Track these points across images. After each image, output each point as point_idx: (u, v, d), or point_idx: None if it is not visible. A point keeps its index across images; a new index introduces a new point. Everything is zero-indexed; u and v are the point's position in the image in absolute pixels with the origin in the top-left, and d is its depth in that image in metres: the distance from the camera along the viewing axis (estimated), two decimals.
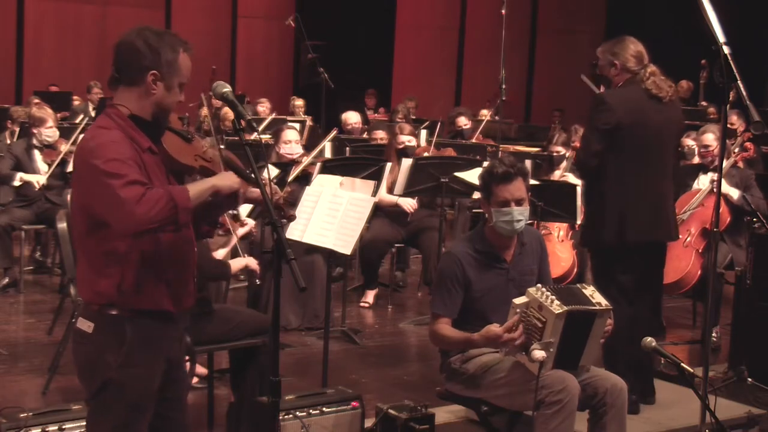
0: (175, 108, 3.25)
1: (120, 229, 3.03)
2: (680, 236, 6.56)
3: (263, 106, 13.01)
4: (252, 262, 5.48)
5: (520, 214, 4.33)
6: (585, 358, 4.15)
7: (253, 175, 3.29)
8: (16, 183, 7.97)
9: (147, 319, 3.19)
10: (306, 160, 7.21)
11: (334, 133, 8.65)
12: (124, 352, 3.14)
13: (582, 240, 5.82)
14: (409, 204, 7.66)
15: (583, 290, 4.17)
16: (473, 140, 10.61)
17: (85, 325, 3.19)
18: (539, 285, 4.13)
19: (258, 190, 3.27)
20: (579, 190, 6.83)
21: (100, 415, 3.23)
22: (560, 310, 3.96)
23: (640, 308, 5.31)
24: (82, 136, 7.94)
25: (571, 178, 7.66)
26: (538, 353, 3.91)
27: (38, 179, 7.94)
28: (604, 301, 4.13)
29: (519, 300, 4.07)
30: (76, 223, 3.22)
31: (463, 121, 11.32)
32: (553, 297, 4.01)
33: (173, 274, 3.22)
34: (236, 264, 5.40)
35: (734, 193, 6.79)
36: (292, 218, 3.55)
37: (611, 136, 5.17)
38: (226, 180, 3.19)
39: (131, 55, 3.15)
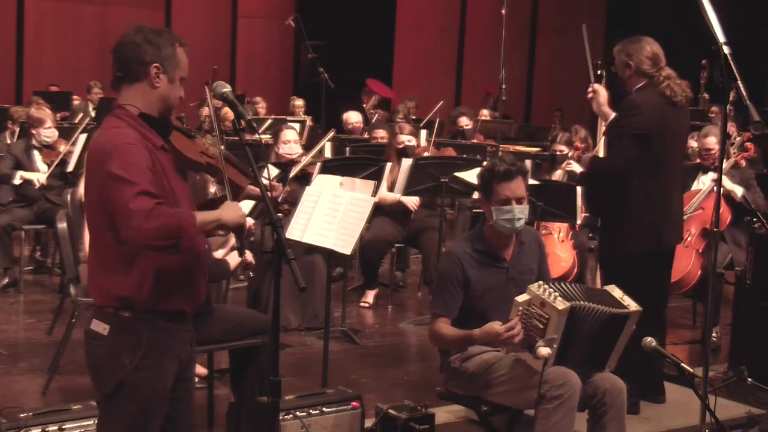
0: (177, 103, 3.27)
1: (125, 239, 3.05)
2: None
3: (260, 107, 13.03)
4: (246, 256, 5.46)
5: (521, 213, 4.34)
6: (612, 358, 4.20)
7: (252, 173, 3.31)
8: (17, 181, 7.98)
9: (162, 320, 3.19)
10: (305, 160, 7.20)
11: (332, 133, 8.61)
12: (138, 355, 3.15)
13: (603, 254, 5.51)
14: (413, 202, 7.66)
15: (612, 292, 4.20)
16: (474, 140, 10.62)
17: (100, 327, 3.19)
18: (541, 282, 4.14)
19: (257, 188, 3.28)
20: (579, 190, 6.83)
21: (113, 417, 3.23)
22: (563, 306, 3.98)
23: (652, 310, 5.34)
24: (82, 136, 8.09)
25: (576, 167, 7.62)
26: (544, 350, 3.93)
27: (38, 177, 7.96)
28: (633, 304, 4.17)
29: (521, 297, 4.08)
30: (94, 224, 3.19)
31: (465, 121, 11.33)
32: (556, 293, 4.02)
33: (187, 272, 3.22)
34: (233, 260, 5.40)
35: (738, 191, 6.78)
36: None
37: (641, 144, 5.09)
38: (233, 214, 3.21)
39: (132, 51, 3.17)
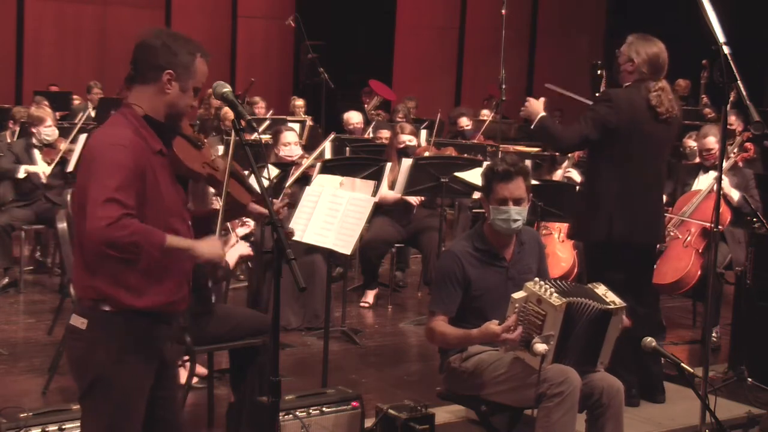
0: (187, 112, 3.27)
1: (87, 239, 3.05)
2: (680, 236, 6.58)
3: (258, 107, 13.05)
4: (243, 249, 5.43)
5: (518, 214, 4.32)
6: (603, 355, 4.21)
7: (256, 187, 3.29)
8: (21, 175, 7.97)
9: (140, 317, 3.18)
10: (306, 162, 7.18)
11: (332, 136, 8.56)
12: (115, 349, 3.14)
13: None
14: (414, 197, 7.66)
15: (596, 289, 4.20)
16: (475, 140, 10.63)
17: (78, 321, 3.18)
18: (537, 279, 4.13)
19: (262, 207, 3.27)
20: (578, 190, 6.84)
21: (92, 414, 3.23)
22: (559, 302, 3.98)
23: (639, 306, 5.33)
24: (83, 135, 8.09)
25: (575, 175, 7.65)
26: (540, 346, 3.93)
27: (43, 170, 7.97)
28: (618, 300, 4.17)
29: (518, 294, 4.08)
30: (79, 218, 3.19)
31: (465, 122, 11.33)
32: (552, 290, 4.02)
33: (168, 276, 3.20)
34: (231, 258, 5.37)
35: (735, 195, 6.78)
36: (290, 235, 3.54)
37: (608, 135, 5.17)
38: (211, 250, 3.17)
39: (149, 53, 3.19)
